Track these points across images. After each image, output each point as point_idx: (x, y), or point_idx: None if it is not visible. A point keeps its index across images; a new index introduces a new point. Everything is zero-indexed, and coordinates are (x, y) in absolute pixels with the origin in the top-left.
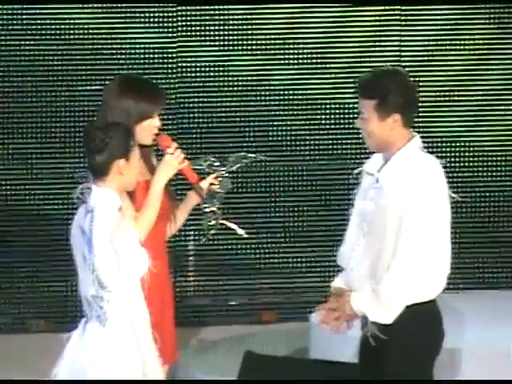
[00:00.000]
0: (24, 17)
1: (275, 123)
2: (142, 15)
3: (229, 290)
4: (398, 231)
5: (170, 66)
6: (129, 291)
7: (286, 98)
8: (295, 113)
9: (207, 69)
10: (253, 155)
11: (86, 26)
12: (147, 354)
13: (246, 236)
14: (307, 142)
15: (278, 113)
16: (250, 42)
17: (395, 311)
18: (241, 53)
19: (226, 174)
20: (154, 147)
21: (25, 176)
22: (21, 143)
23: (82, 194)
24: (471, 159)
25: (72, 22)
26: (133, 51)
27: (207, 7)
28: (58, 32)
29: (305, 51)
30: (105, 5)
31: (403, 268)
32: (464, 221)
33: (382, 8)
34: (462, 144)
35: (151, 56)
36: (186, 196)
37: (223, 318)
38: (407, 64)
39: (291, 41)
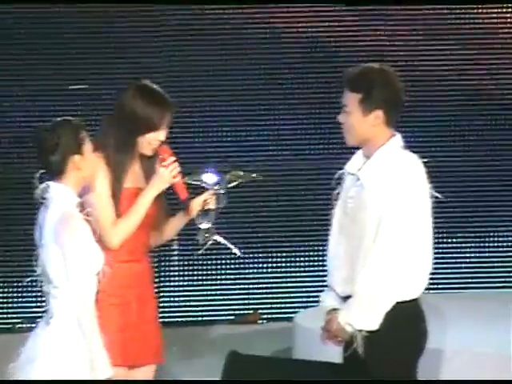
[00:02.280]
0: (22, 16)
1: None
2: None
3: (213, 290)
4: (377, 230)
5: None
6: (77, 288)
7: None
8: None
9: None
10: (249, 173)
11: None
12: (94, 353)
13: (239, 255)
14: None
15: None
16: (251, 46)
17: (377, 313)
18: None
19: (222, 191)
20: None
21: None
22: None
23: (43, 192)
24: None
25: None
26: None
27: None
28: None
29: (310, 54)
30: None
31: (378, 267)
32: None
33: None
34: (450, 143)
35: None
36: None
37: (207, 318)
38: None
39: (297, 43)
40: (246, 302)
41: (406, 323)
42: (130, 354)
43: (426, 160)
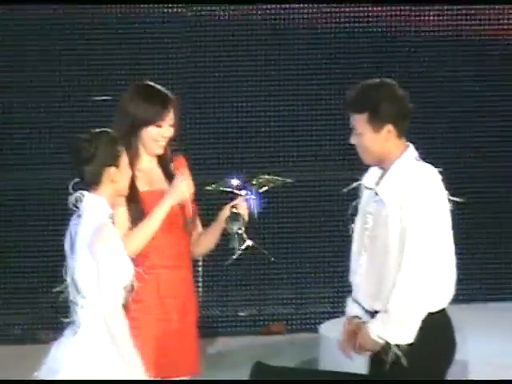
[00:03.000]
0: (27, 17)
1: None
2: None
3: (238, 301)
4: (400, 245)
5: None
6: (108, 300)
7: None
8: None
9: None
10: (279, 178)
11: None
12: (130, 366)
13: (273, 259)
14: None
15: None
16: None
17: (413, 327)
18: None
19: (253, 197)
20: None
21: (33, 186)
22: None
23: (77, 201)
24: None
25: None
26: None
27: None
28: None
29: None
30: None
31: (410, 281)
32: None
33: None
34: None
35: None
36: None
37: (232, 329)
38: None
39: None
40: (272, 312)
41: (436, 334)
42: (166, 365)
43: (440, 169)
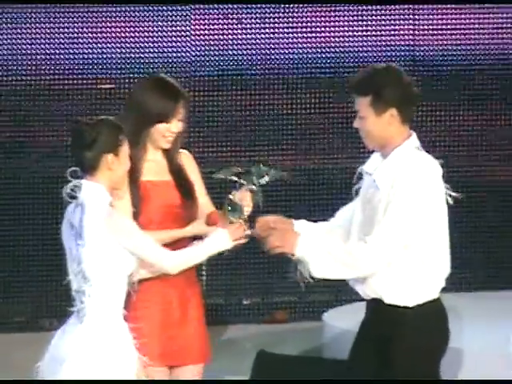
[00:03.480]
0: (27, 15)
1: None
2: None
3: (242, 290)
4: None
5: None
6: (113, 288)
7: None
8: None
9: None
10: (278, 171)
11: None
12: (125, 352)
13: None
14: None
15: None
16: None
17: (333, 274)
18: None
19: (255, 188)
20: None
21: (34, 175)
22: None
23: (73, 190)
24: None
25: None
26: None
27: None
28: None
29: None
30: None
31: (374, 245)
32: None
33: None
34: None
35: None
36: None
37: (236, 318)
38: None
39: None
40: (275, 301)
41: (429, 323)
42: (170, 353)
43: (441, 161)
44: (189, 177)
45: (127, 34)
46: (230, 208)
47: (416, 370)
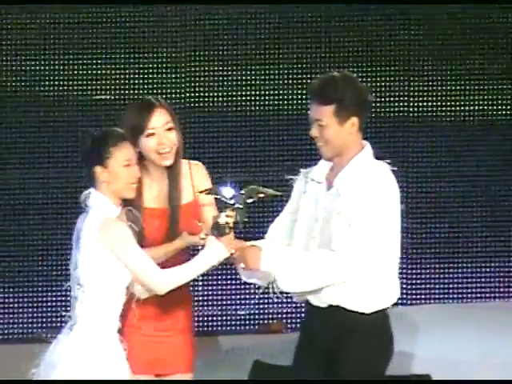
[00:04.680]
0: (28, 15)
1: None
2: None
3: (237, 300)
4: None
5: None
6: (106, 297)
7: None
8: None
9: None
10: (268, 190)
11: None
12: (114, 360)
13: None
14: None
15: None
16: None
17: (302, 287)
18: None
19: (240, 206)
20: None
21: (41, 185)
22: (28, 149)
23: (85, 199)
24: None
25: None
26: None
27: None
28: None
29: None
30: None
31: (340, 255)
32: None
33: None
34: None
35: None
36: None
37: (231, 328)
38: None
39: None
40: (271, 311)
41: (385, 329)
42: (157, 362)
43: (395, 169)
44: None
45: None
46: (214, 226)
47: (369, 373)
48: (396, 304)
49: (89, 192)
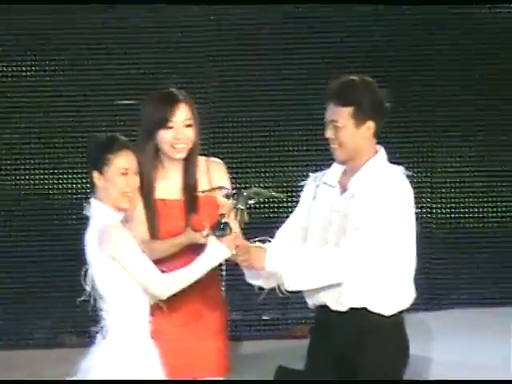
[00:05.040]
0: (41, 16)
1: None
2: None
3: (261, 305)
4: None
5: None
6: (130, 303)
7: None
8: None
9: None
10: (270, 191)
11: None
12: (147, 364)
13: None
14: None
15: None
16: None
17: (309, 286)
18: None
19: (242, 207)
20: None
21: (62, 191)
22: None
23: (86, 209)
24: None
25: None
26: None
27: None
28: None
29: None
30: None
31: (347, 255)
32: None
33: None
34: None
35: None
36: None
37: (256, 333)
38: None
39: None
40: (295, 316)
41: (402, 332)
42: (188, 366)
43: (409, 173)
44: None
45: None
46: (217, 226)
47: (387, 375)
48: (425, 309)
49: (88, 202)
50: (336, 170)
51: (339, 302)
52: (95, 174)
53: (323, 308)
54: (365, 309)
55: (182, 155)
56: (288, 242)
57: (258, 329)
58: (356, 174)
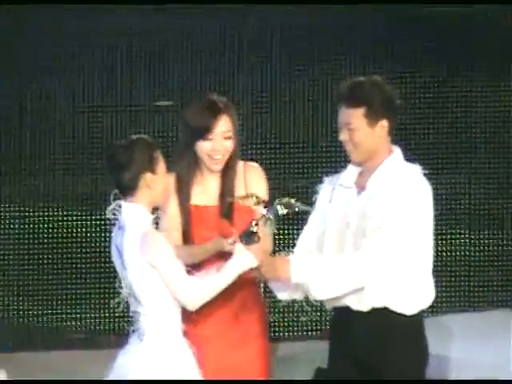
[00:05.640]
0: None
1: None
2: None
3: (299, 306)
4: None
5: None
6: (166, 306)
7: None
8: None
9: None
10: (301, 203)
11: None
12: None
13: None
14: None
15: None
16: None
17: (336, 294)
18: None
19: (271, 217)
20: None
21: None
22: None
23: (114, 213)
24: None
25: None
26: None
27: None
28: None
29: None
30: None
31: (365, 261)
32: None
33: None
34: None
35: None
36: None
37: (294, 334)
38: None
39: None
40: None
41: (418, 335)
42: (229, 370)
43: (426, 172)
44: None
45: None
46: (246, 234)
47: (409, 377)
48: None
49: (116, 205)
50: (351, 171)
51: (361, 302)
52: (148, 176)
53: (343, 309)
54: (386, 308)
55: (219, 167)
56: (309, 250)
57: (297, 330)
58: (373, 173)
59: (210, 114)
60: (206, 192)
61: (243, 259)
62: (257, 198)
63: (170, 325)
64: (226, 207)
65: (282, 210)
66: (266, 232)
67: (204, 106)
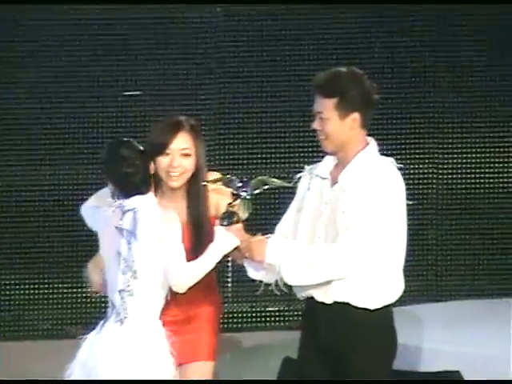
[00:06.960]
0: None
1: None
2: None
3: (267, 296)
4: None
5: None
6: (156, 290)
7: None
8: None
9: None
10: (276, 180)
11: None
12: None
13: None
14: None
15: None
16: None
17: (308, 280)
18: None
19: (248, 197)
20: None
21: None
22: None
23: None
24: None
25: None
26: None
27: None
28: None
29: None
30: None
31: (340, 253)
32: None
33: None
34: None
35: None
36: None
37: (261, 324)
38: None
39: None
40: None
41: (390, 325)
42: (177, 350)
43: (401, 166)
44: (205, 222)
45: None
46: (224, 216)
47: (375, 371)
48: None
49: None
50: (328, 162)
51: (325, 295)
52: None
53: (310, 299)
54: (348, 303)
55: (176, 184)
56: (285, 235)
57: (264, 320)
58: (346, 166)
59: (169, 130)
60: (175, 210)
61: (224, 240)
62: (231, 179)
63: (153, 308)
64: (195, 226)
65: (257, 188)
66: (243, 211)
67: (165, 122)
